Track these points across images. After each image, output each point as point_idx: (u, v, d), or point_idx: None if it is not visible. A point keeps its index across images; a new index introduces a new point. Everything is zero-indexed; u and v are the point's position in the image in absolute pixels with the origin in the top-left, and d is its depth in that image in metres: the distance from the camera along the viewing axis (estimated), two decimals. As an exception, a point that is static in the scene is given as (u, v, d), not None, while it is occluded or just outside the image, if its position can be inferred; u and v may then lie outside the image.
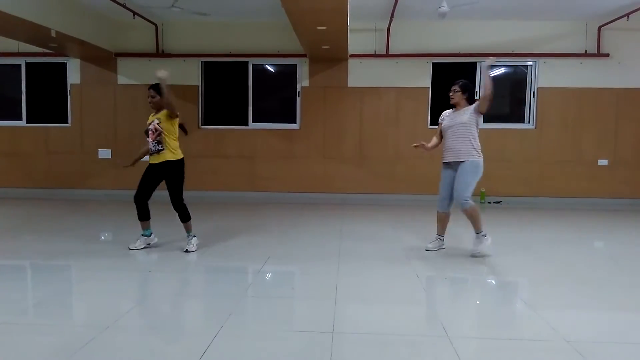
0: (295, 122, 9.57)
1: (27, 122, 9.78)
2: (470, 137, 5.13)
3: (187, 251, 5.09)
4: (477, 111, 5.10)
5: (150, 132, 5.02)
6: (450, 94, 5.27)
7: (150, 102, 5.05)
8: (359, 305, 3.68)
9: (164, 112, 5.01)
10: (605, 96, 9.13)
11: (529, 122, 9.37)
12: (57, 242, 5.65)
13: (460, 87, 5.21)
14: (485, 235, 5.15)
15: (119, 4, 7.85)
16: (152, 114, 5.13)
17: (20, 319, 3.34)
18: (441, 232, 5.46)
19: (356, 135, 9.43)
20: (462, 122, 5.12)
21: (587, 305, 3.78)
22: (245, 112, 9.59)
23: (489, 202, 9.22)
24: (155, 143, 4.99)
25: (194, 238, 5.20)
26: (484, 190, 9.10)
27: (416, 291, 4.10)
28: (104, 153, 9.61)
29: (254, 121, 9.60)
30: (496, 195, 9.29)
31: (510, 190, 9.31)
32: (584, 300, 3.87)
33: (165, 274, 4.52)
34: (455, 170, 5.19)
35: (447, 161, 5.26)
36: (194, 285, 4.39)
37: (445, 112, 5.42)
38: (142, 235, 5.26)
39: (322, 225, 6.92)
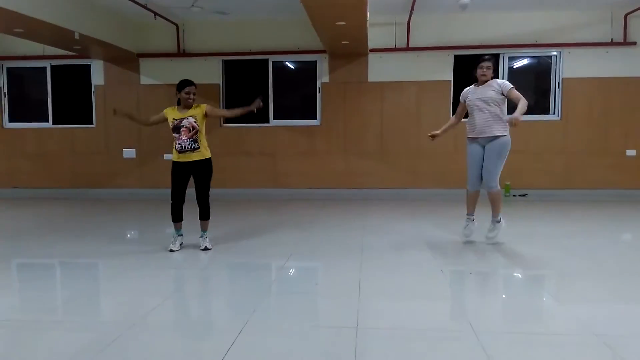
0: (316, 119, 9.56)
1: (53, 124, 9.97)
2: (499, 112, 5.03)
3: (206, 248, 5.10)
4: (502, 93, 5.00)
5: (184, 129, 4.93)
6: (484, 70, 5.08)
7: (191, 99, 4.96)
8: (383, 300, 3.67)
9: (200, 110, 5.01)
10: (633, 85, 8.88)
11: (554, 114, 9.18)
12: (83, 241, 5.76)
13: (493, 63, 5.10)
14: (499, 221, 5.15)
15: (140, 5, 7.93)
16: (177, 110, 5.02)
17: (49, 316, 3.41)
18: (472, 210, 5.36)
19: (377, 130, 9.38)
20: (492, 96, 5.02)
21: (615, 298, 3.69)
22: (266, 109, 9.62)
23: (514, 195, 9.08)
24: (192, 141, 4.95)
25: (208, 238, 5.23)
26: (509, 183, 8.96)
27: (441, 286, 4.07)
28: (129, 152, 9.74)
29: (274, 118, 9.63)
30: (522, 188, 9.14)
31: (535, 182, 9.15)
32: (612, 294, 3.78)
33: (190, 272, 4.58)
34: (483, 147, 5.11)
35: (472, 136, 5.17)
36: (218, 282, 4.42)
37: (467, 89, 5.30)
38: (178, 235, 5.22)
39: (345, 221, 6.91)
